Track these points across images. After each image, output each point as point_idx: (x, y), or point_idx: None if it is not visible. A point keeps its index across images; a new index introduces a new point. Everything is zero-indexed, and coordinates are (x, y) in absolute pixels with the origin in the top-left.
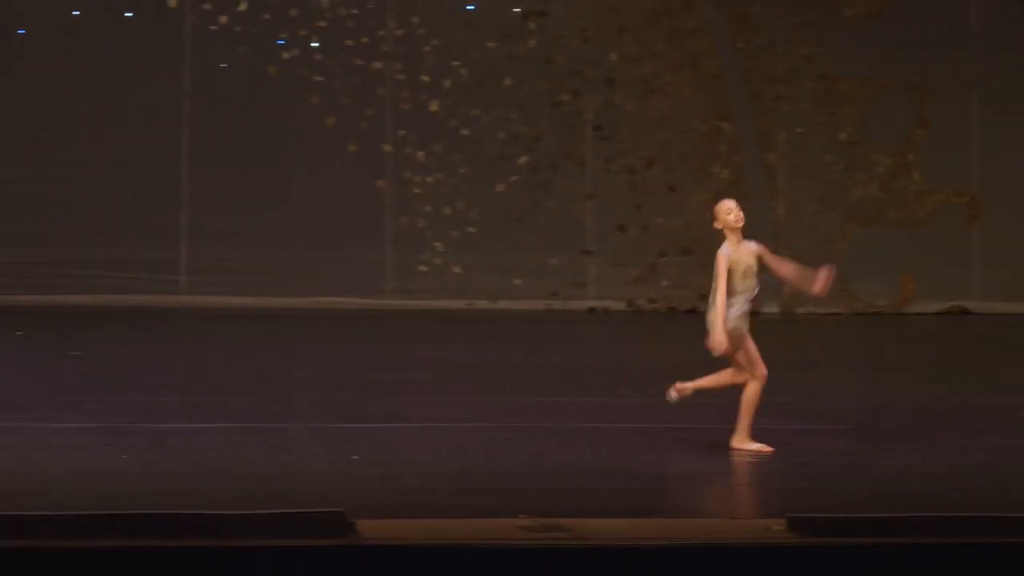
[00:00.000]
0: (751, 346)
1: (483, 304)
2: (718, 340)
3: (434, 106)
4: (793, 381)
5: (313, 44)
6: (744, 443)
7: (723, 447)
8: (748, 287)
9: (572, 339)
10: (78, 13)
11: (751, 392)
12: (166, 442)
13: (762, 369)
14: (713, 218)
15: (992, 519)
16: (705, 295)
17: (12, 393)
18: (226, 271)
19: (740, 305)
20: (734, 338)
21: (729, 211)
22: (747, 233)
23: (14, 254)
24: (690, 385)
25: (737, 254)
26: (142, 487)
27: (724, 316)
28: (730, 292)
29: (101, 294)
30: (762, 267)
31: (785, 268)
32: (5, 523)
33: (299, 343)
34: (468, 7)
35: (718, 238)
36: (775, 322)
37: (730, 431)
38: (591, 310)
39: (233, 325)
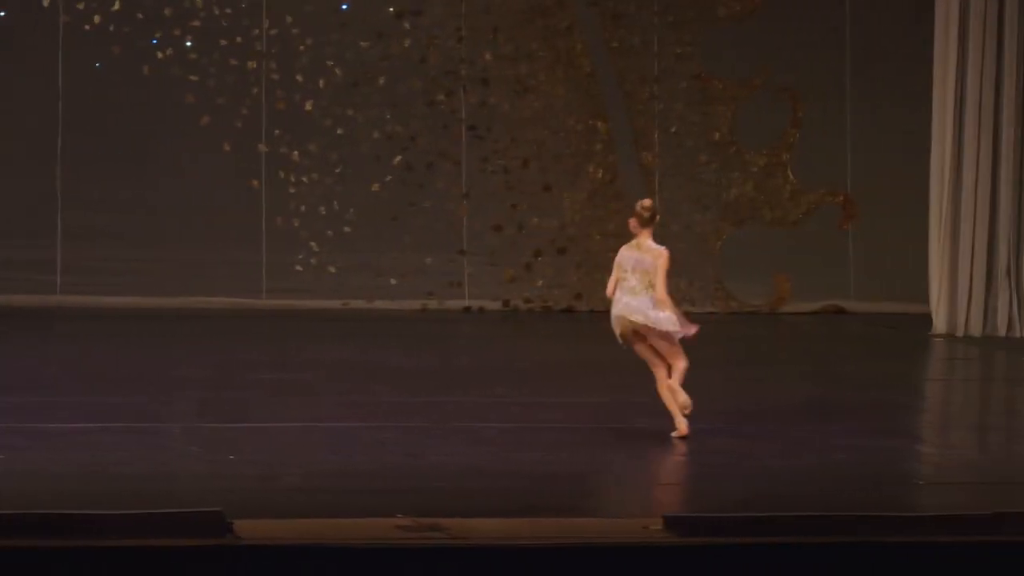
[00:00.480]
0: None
1: (359, 304)
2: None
3: (309, 106)
4: None
5: (187, 43)
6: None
7: (600, 445)
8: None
9: (448, 339)
10: None
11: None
12: (44, 442)
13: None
14: (651, 215)
15: (860, 518)
16: (580, 294)
17: None
18: (101, 271)
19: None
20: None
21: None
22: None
23: None
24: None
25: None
26: (19, 486)
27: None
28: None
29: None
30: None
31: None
32: None
33: (176, 343)
34: (342, 7)
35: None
36: None
37: (606, 430)
38: (467, 310)
39: (110, 325)
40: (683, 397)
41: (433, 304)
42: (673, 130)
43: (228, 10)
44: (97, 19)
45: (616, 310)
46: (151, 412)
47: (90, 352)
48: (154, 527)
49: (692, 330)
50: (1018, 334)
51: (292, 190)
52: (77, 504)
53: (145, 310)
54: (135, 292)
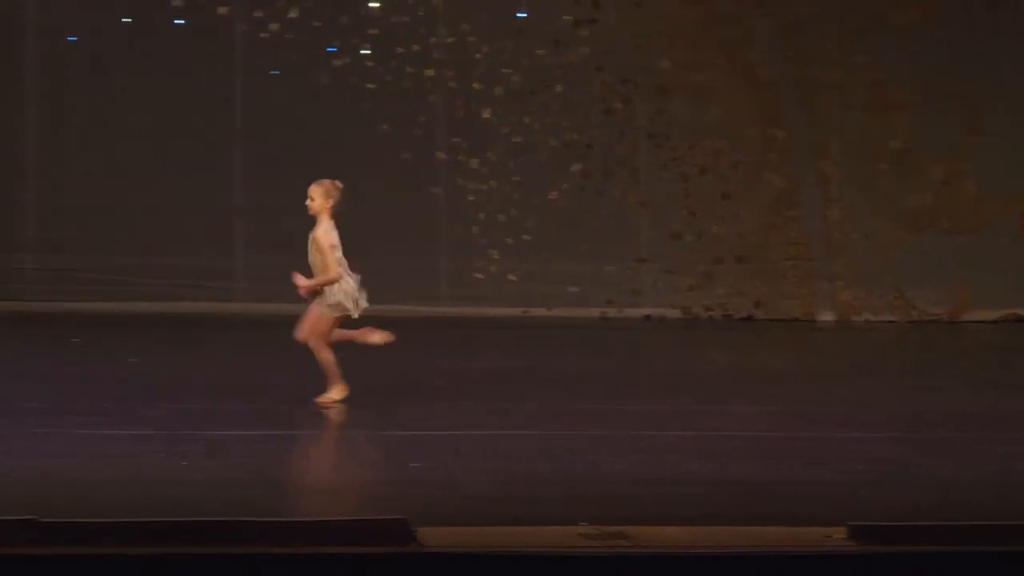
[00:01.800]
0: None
1: (539, 312)
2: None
3: (486, 113)
4: (848, 389)
5: (364, 51)
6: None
7: (779, 453)
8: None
9: (628, 347)
10: (129, 21)
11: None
12: (226, 450)
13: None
14: (325, 197)
15: None
16: (759, 302)
17: (70, 400)
18: (279, 279)
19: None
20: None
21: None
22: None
23: (71, 261)
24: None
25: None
26: (203, 494)
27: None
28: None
29: (159, 301)
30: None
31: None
32: (66, 530)
33: (355, 351)
34: (519, 15)
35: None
36: (830, 330)
37: (784, 439)
38: (647, 318)
39: (287, 333)
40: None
41: (612, 312)
42: (851, 138)
43: (405, 18)
44: (275, 27)
45: None
46: (334, 421)
47: (265, 360)
48: (338, 535)
49: None
50: None
51: (471, 198)
52: (261, 512)
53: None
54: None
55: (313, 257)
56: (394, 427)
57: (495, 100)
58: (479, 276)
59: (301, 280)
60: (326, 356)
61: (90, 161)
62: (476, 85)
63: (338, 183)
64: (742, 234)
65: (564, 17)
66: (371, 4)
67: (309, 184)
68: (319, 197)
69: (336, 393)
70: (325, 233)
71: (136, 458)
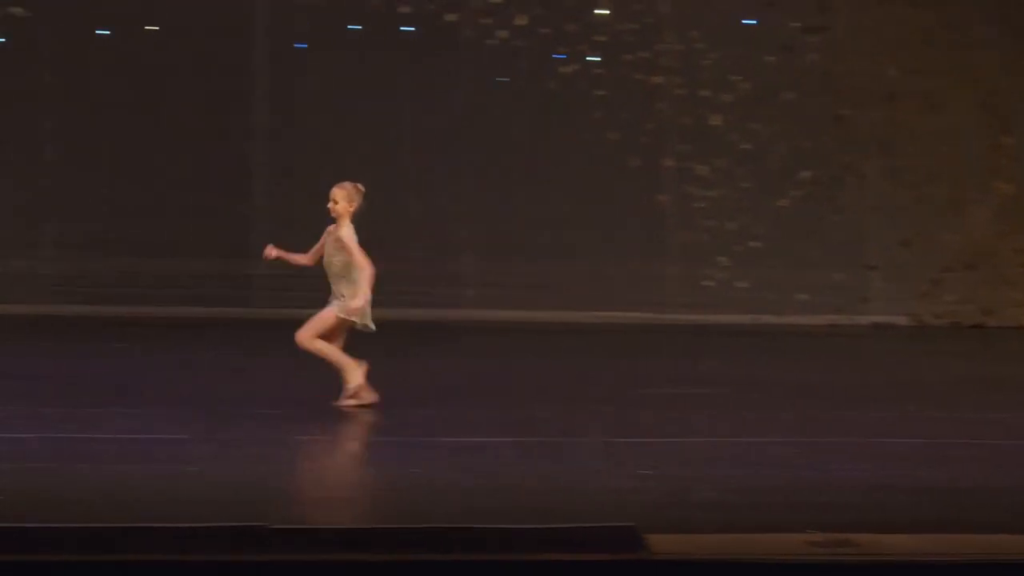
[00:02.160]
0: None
1: (767, 319)
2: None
3: (715, 120)
4: None
5: (592, 58)
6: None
7: (1010, 461)
8: None
9: (857, 354)
10: (358, 27)
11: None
12: (457, 456)
13: None
14: (348, 200)
15: None
16: (990, 309)
17: (302, 408)
18: (510, 285)
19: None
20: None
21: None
22: None
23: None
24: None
25: None
26: (434, 500)
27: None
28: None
29: (387, 308)
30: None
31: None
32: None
33: (582, 357)
34: (747, 21)
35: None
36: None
37: (1018, 447)
38: (875, 325)
39: (516, 339)
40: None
41: (842, 319)
42: None
43: (633, 25)
44: (503, 34)
45: None
46: (560, 426)
47: (492, 365)
48: (567, 542)
49: None
50: None
51: (699, 205)
52: (490, 518)
53: (549, 324)
54: (540, 306)
55: (334, 258)
56: (621, 433)
57: (723, 107)
58: (707, 283)
59: (272, 250)
60: (320, 347)
61: (314, 168)
62: (704, 92)
63: (360, 186)
64: (971, 241)
65: (792, 24)
66: (599, 11)
67: (532, 190)
68: (342, 200)
69: (357, 378)
70: (350, 234)
71: (369, 465)
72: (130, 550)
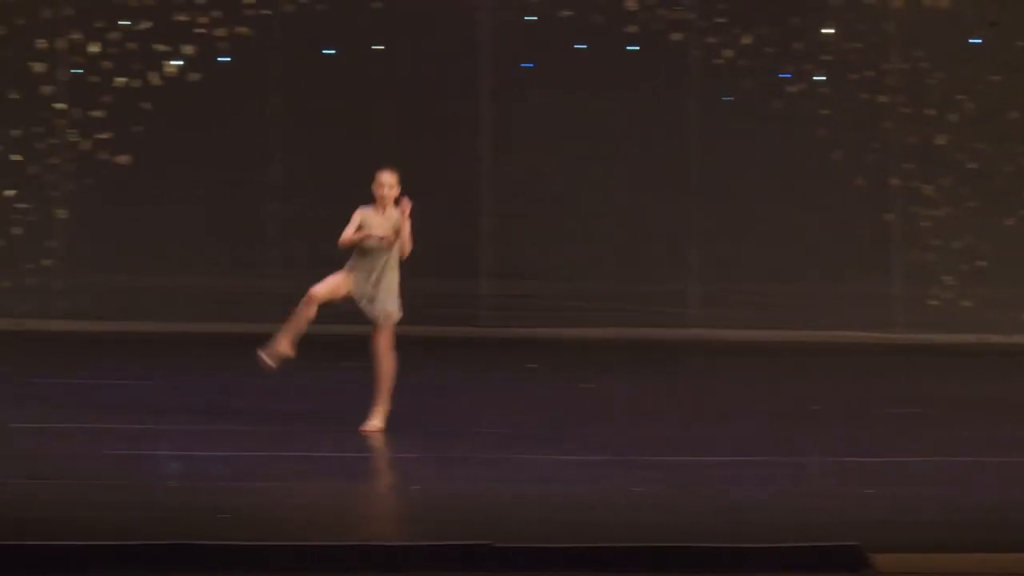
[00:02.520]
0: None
1: (994, 339)
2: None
3: (940, 140)
4: None
5: (818, 78)
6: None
7: None
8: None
9: None
10: (583, 47)
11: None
12: (677, 475)
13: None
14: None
15: None
16: None
17: (527, 426)
18: (736, 304)
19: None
20: None
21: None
22: None
23: (525, 287)
24: None
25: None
26: (657, 518)
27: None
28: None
29: (614, 327)
30: None
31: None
32: (519, 555)
33: (806, 377)
34: (973, 40)
35: None
36: None
37: None
38: None
39: (740, 359)
40: None
41: None
42: None
43: (858, 44)
44: (728, 53)
45: None
46: (783, 446)
47: (721, 385)
48: (790, 561)
49: None
50: None
51: (925, 224)
52: (710, 537)
53: (775, 344)
54: (765, 326)
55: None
56: (844, 452)
57: (949, 126)
58: (933, 302)
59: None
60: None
61: (542, 187)
62: (929, 111)
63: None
64: None
65: (1017, 43)
66: (825, 31)
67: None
68: (397, 186)
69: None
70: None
71: (591, 484)
72: (351, 569)
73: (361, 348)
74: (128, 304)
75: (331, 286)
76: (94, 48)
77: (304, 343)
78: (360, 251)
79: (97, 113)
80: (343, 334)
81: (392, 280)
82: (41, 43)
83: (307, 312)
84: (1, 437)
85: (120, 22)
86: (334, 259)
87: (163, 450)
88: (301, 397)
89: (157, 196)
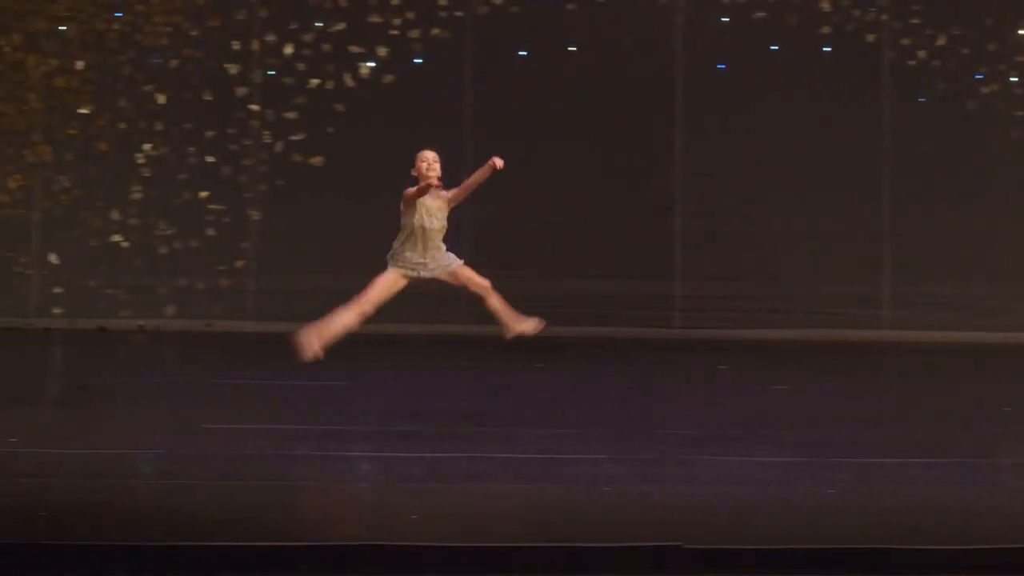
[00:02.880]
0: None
1: None
2: None
3: None
4: None
5: (1013, 79)
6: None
7: None
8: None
9: None
10: (776, 48)
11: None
12: (871, 477)
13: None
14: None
15: None
16: None
17: (718, 427)
18: (928, 305)
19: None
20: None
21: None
22: None
23: (717, 288)
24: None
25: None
26: (845, 522)
27: None
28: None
29: (805, 328)
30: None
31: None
32: (712, 556)
33: (999, 379)
34: None
35: None
36: None
37: None
38: None
39: (932, 360)
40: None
41: None
42: None
43: None
44: (922, 54)
45: None
46: (981, 447)
47: (915, 387)
48: (986, 563)
49: None
50: None
51: None
52: (906, 539)
53: (963, 345)
54: (955, 327)
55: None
56: None
57: None
58: None
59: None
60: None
61: (734, 191)
62: None
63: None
64: None
65: None
66: (1020, 32)
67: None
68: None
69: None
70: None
71: (782, 485)
72: (531, 570)
73: (555, 350)
74: (320, 305)
75: (382, 288)
76: (288, 49)
77: (500, 343)
78: (404, 238)
79: (290, 114)
80: (550, 336)
81: (441, 250)
82: (235, 45)
83: (353, 321)
84: (194, 438)
85: (314, 24)
86: (525, 262)
87: (354, 451)
88: (493, 397)
89: (349, 197)
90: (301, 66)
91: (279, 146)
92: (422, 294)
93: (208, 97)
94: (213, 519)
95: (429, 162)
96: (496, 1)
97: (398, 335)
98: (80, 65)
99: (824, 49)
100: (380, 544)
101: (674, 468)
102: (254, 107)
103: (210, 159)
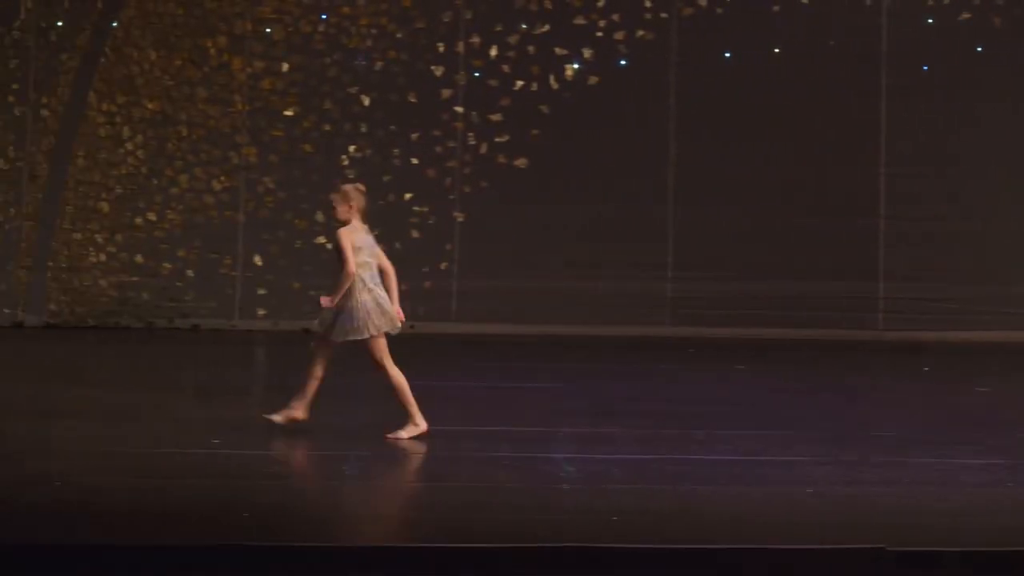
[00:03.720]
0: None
1: None
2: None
3: None
4: None
5: None
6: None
7: None
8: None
9: None
10: (980, 49)
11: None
12: None
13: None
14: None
15: None
16: None
17: (921, 429)
18: None
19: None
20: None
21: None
22: None
23: (919, 290)
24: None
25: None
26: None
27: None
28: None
29: (1006, 330)
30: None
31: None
32: (916, 559)
33: None
34: None
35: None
36: None
37: None
38: None
39: None
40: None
41: None
42: None
43: None
44: None
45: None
46: None
47: None
48: None
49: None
50: None
51: None
52: None
53: None
54: None
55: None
56: None
57: None
58: None
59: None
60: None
61: (938, 190)
62: None
63: (359, 186)
64: None
65: None
66: None
67: None
68: (339, 204)
69: (408, 431)
70: (344, 234)
71: (987, 488)
72: (734, 571)
73: (758, 351)
74: (521, 307)
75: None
76: (493, 51)
77: (701, 346)
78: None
79: (495, 116)
80: (751, 337)
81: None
82: (440, 46)
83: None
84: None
85: (520, 25)
86: (726, 264)
87: (556, 452)
88: (695, 399)
89: (553, 199)
90: (506, 68)
91: (483, 148)
92: (621, 297)
93: (413, 99)
94: (414, 520)
95: (363, 197)
96: (701, 3)
97: (601, 337)
98: (285, 67)
99: None
100: (580, 546)
101: (879, 470)
102: (458, 109)
103: (414, 161)
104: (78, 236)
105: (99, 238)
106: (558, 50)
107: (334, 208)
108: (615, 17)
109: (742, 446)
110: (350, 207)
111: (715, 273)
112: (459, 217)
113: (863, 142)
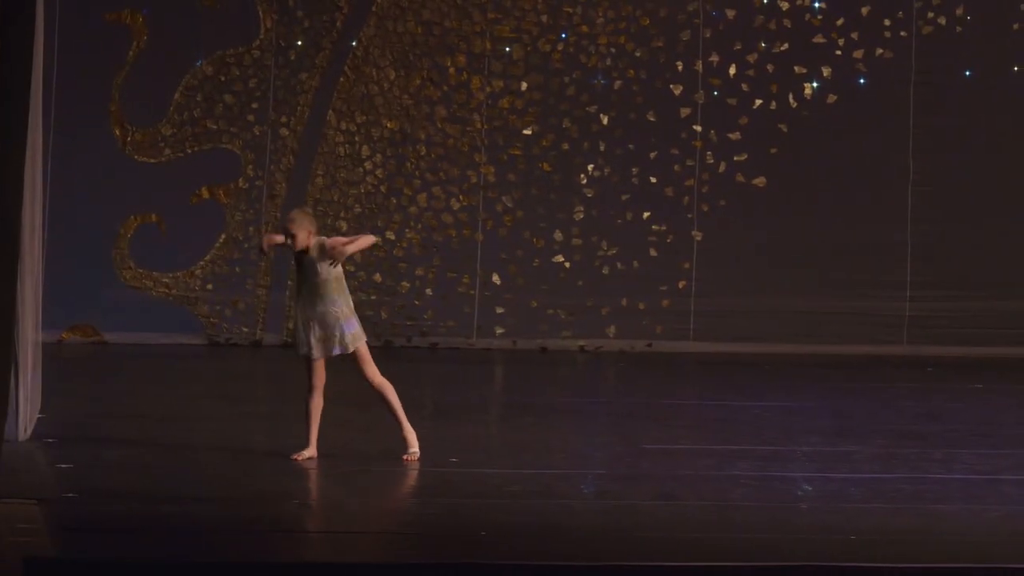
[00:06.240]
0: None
1: None
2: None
3: None
4: None
5: None
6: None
7: None
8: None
9: None
10: None
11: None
12: None
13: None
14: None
15: None
16: None
17: None
18: None
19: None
20: None
21: None
22: None
23: None
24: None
25: None
26: None
27: None
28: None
29: None
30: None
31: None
32: None
33: None
34: None
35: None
36: None
37: None
38: None
39: None
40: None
41: None
42: None
43: None
44: None
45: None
46: None
47: None
48: None
49: None
50: None
51: None
52: None
53: None
54: None
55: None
56: None
57: None
58: None
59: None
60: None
61: None
62: None
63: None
64: None
65: None
66: None
67: None
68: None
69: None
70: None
71: None
72: None
73: (996, 370)
74: (759, 326)
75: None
76: (732, 70)
77: (939, 365)
78: (297, 292)
79: (733, 135)
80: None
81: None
82: (679, 65)
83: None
84: (633, 457)
85: (759, 44)
86: (969, 281)
87: (793, 471)
88: (932, 417)
89: (791, 218)
90: (744, 86)
91: (722, 167)
92: (859, 315)
93: (651, 118)
94: (652, 539)
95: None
96: (940, 21)
97: (839, 355)
98: (524, 86)
99: None
100: (819, 565)
101: None
102: (697, 128)
103: (652, 180)
104: None
105: None
106: (797, 68)
107: (293, 237)
108: (854, 36)
109: (980, 465)
110: (310, 232)
111: (958, 292)
112: (697, 236)
113: None
